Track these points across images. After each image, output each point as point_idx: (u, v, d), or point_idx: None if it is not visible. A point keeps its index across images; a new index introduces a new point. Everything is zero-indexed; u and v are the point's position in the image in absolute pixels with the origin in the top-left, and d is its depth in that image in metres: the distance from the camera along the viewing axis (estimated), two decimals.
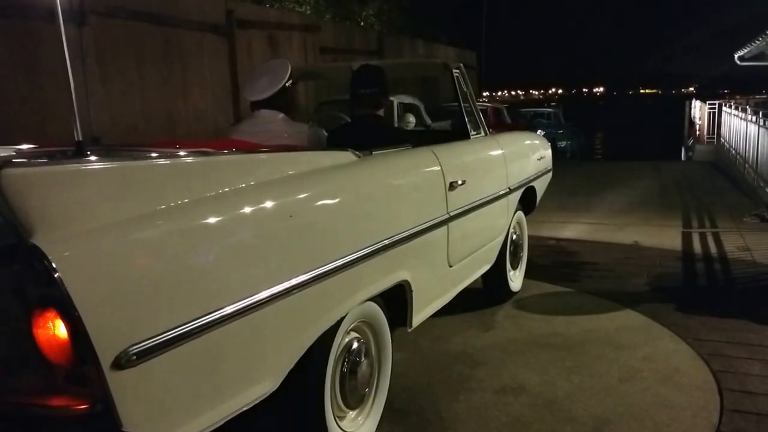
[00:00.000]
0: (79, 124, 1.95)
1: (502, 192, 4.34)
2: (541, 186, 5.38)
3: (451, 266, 3.58)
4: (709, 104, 20.38)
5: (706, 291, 5.16)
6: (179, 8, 9.10)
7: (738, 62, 23.91)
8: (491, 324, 4.43)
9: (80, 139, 1.93)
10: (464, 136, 4.11)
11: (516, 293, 5.01)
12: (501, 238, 4.49)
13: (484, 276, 4.39)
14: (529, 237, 5.44)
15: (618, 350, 3.94)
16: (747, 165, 12.00)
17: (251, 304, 1.99)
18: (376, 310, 2.91)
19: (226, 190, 2.06)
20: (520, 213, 4.96)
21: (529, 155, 5.07)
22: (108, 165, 1.85)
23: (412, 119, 9.54)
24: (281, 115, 3.38)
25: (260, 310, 2.03)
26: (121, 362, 1.61)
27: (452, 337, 4.22)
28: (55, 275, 1.51)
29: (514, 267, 5.01)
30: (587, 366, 3.73)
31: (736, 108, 15.71)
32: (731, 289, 5.17)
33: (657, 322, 4.38)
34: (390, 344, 3.07)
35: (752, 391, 3.38)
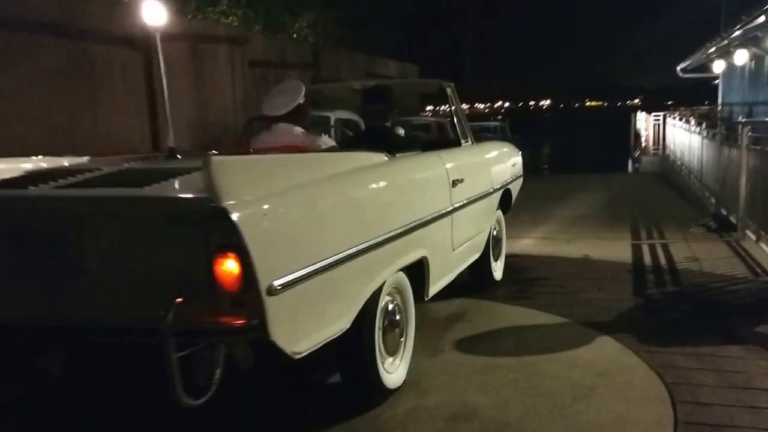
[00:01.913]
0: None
1: (489, 191, 5.35)
2: (515, 189, 6.39)
3: (453, 250, 4.57)
4: (654, 116, 21.09)
5: (656, 302, 5.32)
6: (90, 20, 8.81)
7: (680, 74, 24.83)
8: (440, 348, 4.44)
9: (173, 146, 3.17)
10: (456, 143, 5.15)
11: (498, 282, 5.91)
12: (487, 231, 5.50)
13: (472, 266, 5.20)
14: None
15: (571, 368, 4.01)
16: (692, 175, 12.44)
17: (342, 258, 2.98)
18: (405, 280, 3.85)
19: (324, 175, 3.13)
20: (499, 212, 5.93)
21: (506, 161, 6.09)
22: (259, 159, 3.15)
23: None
24: (297, 127, 4.12)
25: (356, 259, 3.10)
26: (271, 290, 2.50)
27: None
28: (236, 229, 2.38)
29: (496, 259, 5.94)
30: (540, 386, 3.78)
31: (680, 119, 16.29)
32: (681, 300, 5.34)
33: (609, 337, 4.48)
34: (413, 309, 3.98)
35: (705, 402, 3.49)
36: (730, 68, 21.35)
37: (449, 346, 4.47)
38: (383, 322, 3.58)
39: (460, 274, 4.86)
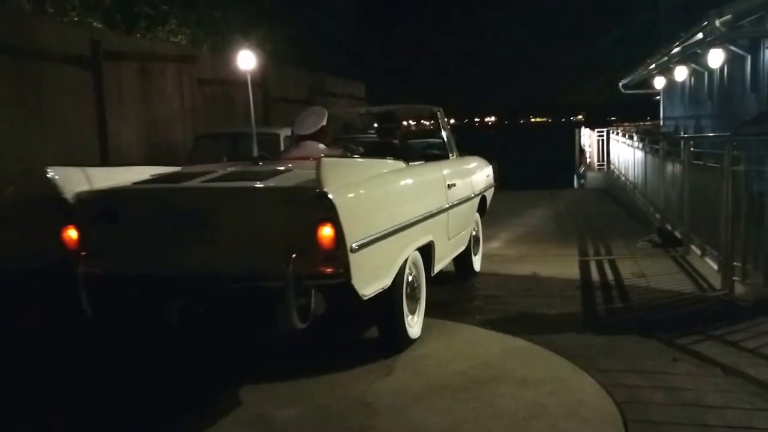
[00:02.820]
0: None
1: (471, 196, 6.53)
2: (489, 195, 7.54)
3: (449, 239, 5.76)
4: (598, 132, 21.42)
5: (605, 320, 5.35)
6: (37, 39, 8.70)
7: (623, 90, 25.35)
8: (392, 368, 4.40)
9: (257, 154, 4.93)
10: (445, 156, 6.32)
11: (478, 273, 6.99)
12: (471, 228, 6.68)
13: (457, 259, 6.42)
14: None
15: (523, 387, 4.00)
16: (637, 191, 12.65)
17: (388, 233, 4.25)
18: (419, 258, 5.01)
19: (376, 174, 4.54)
20: (477, 214, 7.02)
21: (482, 172, 7.24)
22: (342, 161, 4.44)
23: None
24: (321, 144, 5.29)
25: (394, 235, 4.33)
26: (352, 249, 3.72)
27: (351, 384, 4.16)
28: (333, 206, 3.60)
29: (475, 254, 7.08)
30: (493, 405, 3.76)
31: (624, 135, 16.59)
32: (629, 317, 5.38)
33: (560, 355, 4.49)
34: (425, 282, 5.12)
35: (656, 420, 3.50)
36: (671, 84, 21.88)
37: (401, 366, 4.44)
38: (407, 289, 4.71)
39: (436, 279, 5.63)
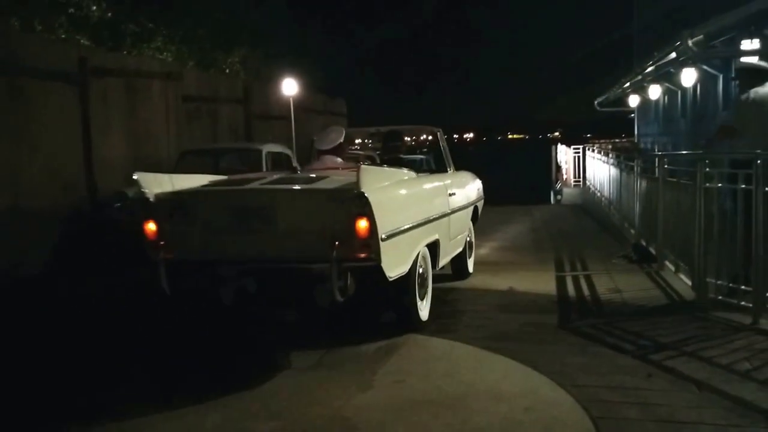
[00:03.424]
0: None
1: (466, 204, 7.40)
2: (480, 206, 8.31)
3: (450, 240, 6.54)
4: (574, 149, 21.54)
5: (580, 335, 5.31)
6: (25, 56, 8.68)
7: (597, 108, 25.53)
8: (369, 383, 4.34)
9: (296, 165, 7.75)
10: (444, 170, 7.14)
11: (471, 274, 7.72)
12: (466, 233, 7.53)
13: (453, 261, 7.08)
14: None
15: (499, 402, 3.95)
16: (612, 207, 12.70)
17: (408, 228, 5.07)
18: (428, 253, 5.78)
19: (397, 180, 5.47)
20: (470, 222, 7.82)
21: (473, 185, 8.10)
22: (377, 168, 5.76)
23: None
24: (339, 158, 6.16)
25: (411, 231, 5.13)
26: (383, 238, 4.50)
27: (328, 400, 4.09)
28: (368, 203, 4.39)
29: (469, 257, 7.84)
30: (469, 421, 3.71)
31: (600, 152, 16.68)
32: (604, 332, 5.34)
33: (536, 371, 4.45)
34: (431, 274, 5.94)
35: None
36: (645, 102, 22.07)
37: (379, 381, 4.38)
38: (418, 279, 5.47)
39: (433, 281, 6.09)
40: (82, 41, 12.16)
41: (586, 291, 6.80)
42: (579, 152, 20.98)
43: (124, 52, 12.88)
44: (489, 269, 8.07)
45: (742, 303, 5.50)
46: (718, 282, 5.77)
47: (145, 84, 11.37)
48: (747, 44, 10.53)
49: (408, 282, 5.26)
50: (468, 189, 7.62)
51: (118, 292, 7.38)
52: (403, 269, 5.01)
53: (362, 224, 4.46)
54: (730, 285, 5.66)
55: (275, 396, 4.20)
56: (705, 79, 14.86)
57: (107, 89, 10.30)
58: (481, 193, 8.44)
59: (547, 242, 10.44)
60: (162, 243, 4.82)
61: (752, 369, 4.34)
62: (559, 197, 21.64)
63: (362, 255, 4.53)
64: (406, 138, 8.00)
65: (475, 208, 7.99)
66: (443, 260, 6.32)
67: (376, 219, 4.44)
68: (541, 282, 7.21)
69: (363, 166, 4.94)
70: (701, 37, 10.44)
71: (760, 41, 10.43)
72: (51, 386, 4.69)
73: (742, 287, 5.54)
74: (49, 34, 12.30)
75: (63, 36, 12.41)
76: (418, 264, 5.45)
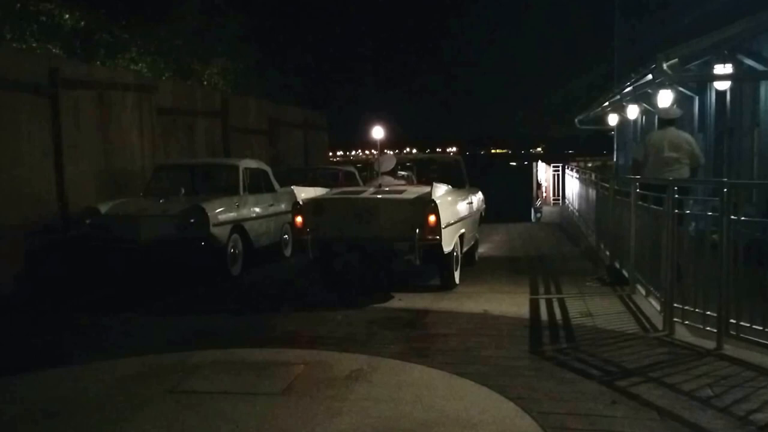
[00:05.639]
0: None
1: (477, 210, 10.37)
2: (483, 213, 11.06)
3: (469, 234, 9.42)
4: (554, 166, 21.78)
5: (550, 360, 5.44)
6: None
7: (578, 125, 25.82)
8: (338, 410, 4.40)
9: (379, 184, 9.15)
10: (463, 186, 9.91)
11: (476, 261, 10.67)
12: (475, 233, 10.47)
13: (465, 252, 9.41)
14: (376, 309, 7.48)
15: (466, 429, 4.05)
16: (588, 227, 12.88)
17: (454, 221, 8.39)
18: (458, 241, 8.66)
19: (447, 191, 8.69)
20: (477, 223, 10.69)
21: (479, 197, 10.78)
22: (441, 184, 8.58)
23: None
24: (392, 178, 9.51)
25: (454, 225, 8.38)
26: (443, 227, 7.74)
27: (296, 428, 4.16)
28: (436, 205, 7.65)
29: (476, 249, 10.90)
30: None
31: (578, 170, 16.89)
32: (574, 358, 5.47)
33: (504, 397, 4.56)
34: (461, 254, 8.96)
35: None
36: (624, 121, 22.35)
37: (348, 408, 4.43)
38: (455, 256, 8.46)
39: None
40: (53, 51, 12.18)
41: (558, 315, 6.94)
42: (558, 170, 21.22)
43: (98, 63, 12.89)
44: (465, 291, 8.24)
45: (707, 328, 5.66)
46: (685, 307, 5.93)
47: (118, 96, 11.34)
48: (720, 69, 10.82)
49: (452, 257, 8.22)
50: (477, 200, 10.55)
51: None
52: (450, 248, 8.03)
53: (432, 218, 7.50)
54: (695, 310, 5.82)
55: (243, 426, 4.26)
56: (681, 101, 15.12)
57: (79, 101, 10.25)
58: (483, 203, 11.25)
59: (524, 263, 10.68)
60: (308, 230, 7.86)
61: (713, 396, 4.49)
62: (539, 215, 21.86)
63: (431, 237, 7.52)
64: (438, 162, 12.39)
65: (481, 214, 10.92)
66: (465, 247, 9.26)
67: (441, 215, 7.52)
68: (515, 305, 7.36)
69: (435, 183, 8.06)
70: (676, 60, 10.65)
71: (732, 66, 10.71)
72: None
73: (707, 312, 5.69)
74: (19, 43, 12.30)
75: (33, 45, 12.41)
76: (457, 248, 8.47)
